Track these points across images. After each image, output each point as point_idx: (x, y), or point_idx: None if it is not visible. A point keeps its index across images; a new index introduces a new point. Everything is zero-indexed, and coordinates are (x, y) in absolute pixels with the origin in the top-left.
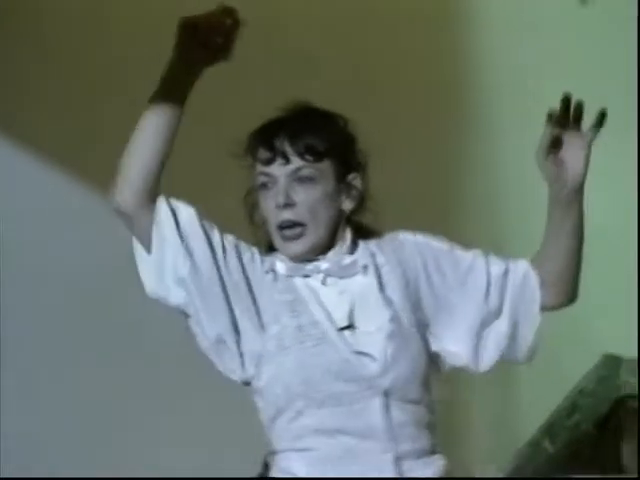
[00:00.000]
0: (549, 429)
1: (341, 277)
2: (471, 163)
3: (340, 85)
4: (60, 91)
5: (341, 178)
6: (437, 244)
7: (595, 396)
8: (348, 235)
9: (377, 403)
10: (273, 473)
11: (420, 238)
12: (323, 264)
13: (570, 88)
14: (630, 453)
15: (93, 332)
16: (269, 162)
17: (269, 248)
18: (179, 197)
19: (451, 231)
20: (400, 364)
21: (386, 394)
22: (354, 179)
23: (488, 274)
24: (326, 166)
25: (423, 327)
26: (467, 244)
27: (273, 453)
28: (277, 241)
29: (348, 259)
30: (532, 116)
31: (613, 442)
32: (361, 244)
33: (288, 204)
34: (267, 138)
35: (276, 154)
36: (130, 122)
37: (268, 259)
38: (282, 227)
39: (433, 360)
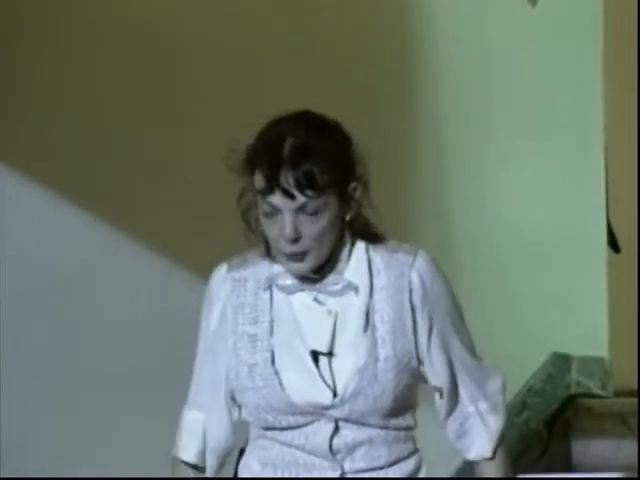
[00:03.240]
0: None
1: (332, 295)
2: (422, 180)
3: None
4: None
5: (343, 193)
6: (451, 311)
7: (544, 394)
8: (346, 252)
9: (328, 428)
10: (240, 464)
11: (441, 289)
12: (316, 284)
13: (525, 96)
14: (579, 451)
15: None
16: (270, 192)
17: (267, 250)
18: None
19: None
20: (358, 401)
21: (338, 421)
22: (354, 190)
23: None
24: (329, 194)
25: (409, 354)
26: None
27: (246, 443)
28: (281, 260)
29: (341, 282)
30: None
31: (562, 440)
32: (362, 257)
33: (296, 238)
34: (267, 168)
35: (278, 187)
36: None
37: (263, 281)
38: (285, 254)
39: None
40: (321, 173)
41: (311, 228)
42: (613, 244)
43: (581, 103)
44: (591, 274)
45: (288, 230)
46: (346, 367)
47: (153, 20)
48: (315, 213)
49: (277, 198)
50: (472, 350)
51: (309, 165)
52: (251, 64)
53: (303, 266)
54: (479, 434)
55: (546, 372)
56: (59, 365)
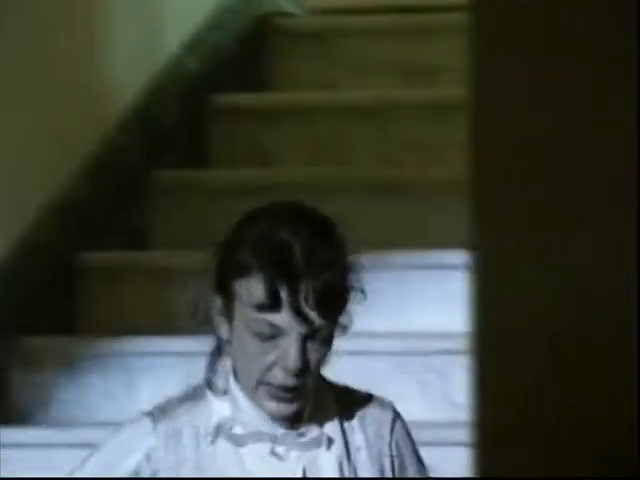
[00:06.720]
0: (191, 46)
1: (296, 448)
2: None
3: None
4: None
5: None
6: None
7: (239, 12)
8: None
9: None
10: None
11: (405, 438)
12: (279, 430)
13: None
14: (275, 71)
15: None
16: (274, 309)
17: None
18: None
19: None
20: None
21: None
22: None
23: None
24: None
25: None
26: None
27: None
28: (259, 396)
29: (315, 431)
30: None
31: (256, 60)
32: (332, 409)
33: (301, 370)
34: (276, 277)
35: (290, 305)
36: None
37: (210, 432)
38: (278, 388)
39: None
40: (342, 287)
41: (315, 358)
42: None
43: None
44: None
45: (294, 359)
46: None
47: None
48: (326, 340)
49: (284, 318)
50: None
51: (330, 277)
52: None
53: (290, 408)
54: None
55: None
56: None
